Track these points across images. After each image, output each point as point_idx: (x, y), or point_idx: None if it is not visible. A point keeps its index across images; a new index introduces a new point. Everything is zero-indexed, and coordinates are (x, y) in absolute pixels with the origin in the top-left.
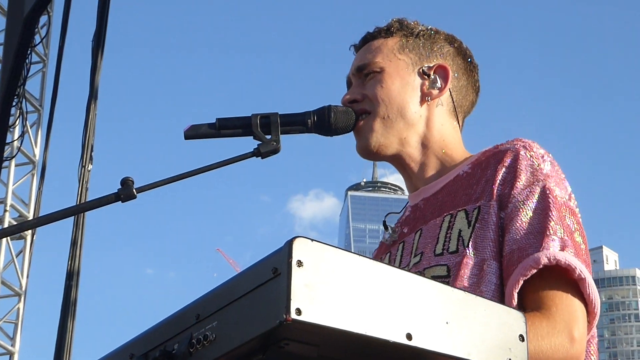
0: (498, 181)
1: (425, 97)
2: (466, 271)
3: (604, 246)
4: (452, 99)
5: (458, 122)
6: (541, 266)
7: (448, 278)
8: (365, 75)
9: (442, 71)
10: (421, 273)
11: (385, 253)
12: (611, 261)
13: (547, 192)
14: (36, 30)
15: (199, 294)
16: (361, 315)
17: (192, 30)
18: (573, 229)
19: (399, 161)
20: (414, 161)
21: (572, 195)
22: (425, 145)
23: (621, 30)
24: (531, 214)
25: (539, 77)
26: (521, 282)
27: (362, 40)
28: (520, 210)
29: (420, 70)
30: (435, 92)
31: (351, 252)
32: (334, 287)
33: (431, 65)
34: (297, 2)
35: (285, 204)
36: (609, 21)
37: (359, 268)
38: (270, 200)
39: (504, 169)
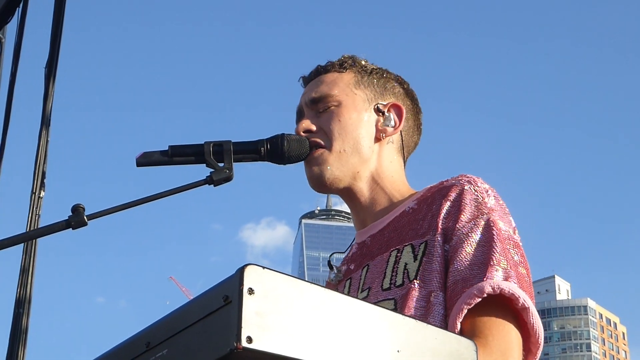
0: (442, 215)
1: (379, 134)
2: (413, 302)
3: (556, 275)
4: (402, 138)
5: (404, 160)
6: (485, 295)
7: (395, 312)
8: (320, 108)
9: (396, 110)
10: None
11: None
12: (563, 290)
13: (491, 224)
14: None
15: (149, 323)
16: (313, 344)
17: (146, 56)
18: (517, 261)
19: (349, 195)
20: (364, 196)
21: (516, 230)
22: (375, 180)
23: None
24: (475, 246)
25: (484, 110)
26: (465, 311)
27: (313, 72)
28: (464, 242)
29: (376, 106)
30: (389, 129)
31: (303, 280)
32: (285, 315)
33: (385, 103)
34: (247, 33)
35: (237, 232)
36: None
37: (310, 296)
38: (222, 229)
39: (448, 203)
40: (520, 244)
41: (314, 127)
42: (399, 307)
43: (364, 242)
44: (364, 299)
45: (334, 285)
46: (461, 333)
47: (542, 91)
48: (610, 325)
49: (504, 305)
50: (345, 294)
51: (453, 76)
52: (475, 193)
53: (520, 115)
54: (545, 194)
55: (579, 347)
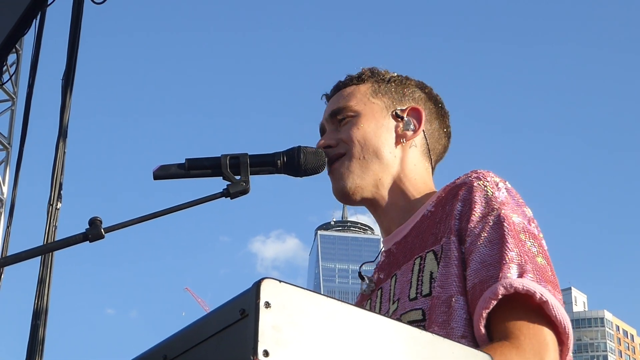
0: (454, 216)
1: (399, 139)
2: (437, 310)
3: (572, 287)
4: (426, 141)
5: (431, 164)
6: (500, 296)
7: (424, 322)
8: (339, 121)
9: (415, 113)
10: (398, 319)
11: (365, 301)
12: (580, 302)
13: (502, 220)
14: (5, 68)
15: (161, 334)
16: (329, 357)
17: (163, 67)
18: (535, 252)
19: (373, 204)
20: (387, 203)
21: (533, 220)
22: (398, 185)
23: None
24: (488, 245)
25: (508, 113)
26: (485, 315)
27: (333, 88)
28: (477, 242)
29: (394, 112)
30: (409, 133)
31: (319, 293)
32: (301, 329)
33: (404, 108)
34: (269, 49)
35: (246, 244)
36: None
37: (326, 310)
38: (230, 241)
39: (459, 203)
40: (539, 233)
41: (332, 142)
42: (427, 317)
43: (390, 251)
44: (395, 310)
45: (367, 295)
46: (491, 337)
47: (559, 99)
48: (627, 338)
49: (526, 303)
50: (377, 306)
51: (468, 87)
52: (485, 189)
53: (538, 125)
54: (562, 206)
55: None
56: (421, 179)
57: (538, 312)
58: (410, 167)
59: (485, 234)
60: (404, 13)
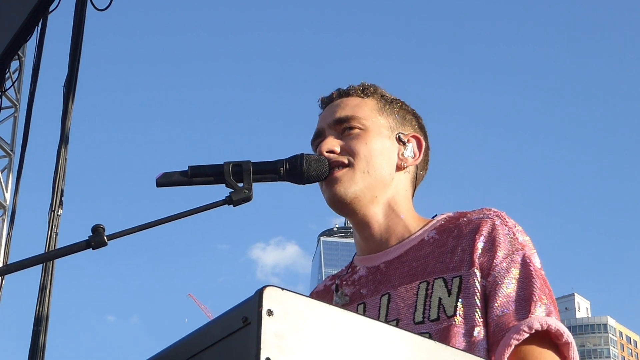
0: (478, 250)
1: (400, 163)
2: (456, 339)
3: (575, 294)
4: (416, 170)
5: (413, 191)
6: (533, 331)
7: None
8: (344, 129)
9: (417, 142)
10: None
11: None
12: (583, 309)
13: (527, 260)
14: (7, 74)
15: (161, 341)
16: None
17: (165, 74)
18: (553, 298)
19: (365, 220)
20: (379, 222)
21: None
22: (391, 207)
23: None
24: (515, 282)
25: (511, 116)
26: (512, 346)
27: (335, 94)
28: (505, 278)
29: (397, 136)
30: (410, 159)
31: (321, 301)
32: (304, 337)
33: (406, 133)
34: (267, 58)
35: (245, 252)
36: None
37: (329, 318)
38: (229, 249)
39: (482, 238)
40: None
41: (338, 148)
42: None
43: (376, 267)
44: None
45: (342, 306)
46: None
47: (565, 103)
48: (631, 344)
49: (548, 340)
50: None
51: (462, 90)
52: (507, 229)
53: (542, 129)
54: (565, 211)
55: None
56: (409, 205)
57: (556, 351)
58: (402, 192)
59: (514, 271)
60: (401, 16)
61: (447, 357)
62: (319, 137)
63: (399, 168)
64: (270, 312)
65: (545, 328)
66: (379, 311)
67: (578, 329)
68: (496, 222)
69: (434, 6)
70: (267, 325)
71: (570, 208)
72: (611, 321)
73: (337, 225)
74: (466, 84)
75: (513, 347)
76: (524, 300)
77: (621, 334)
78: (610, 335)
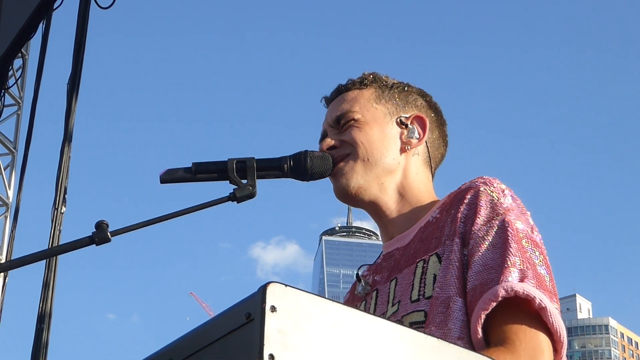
0: (459, 219)
1: (404, 146)
2: (434, 311)
3: (577, 294)
4: (428, 150)
5: (431, 172)
6: (500, 299)
7: (424, 323)
8: (343, 125)
9: (420, 121)
10: (399, 321)
11: (360, 302)
12: (584, 310)
13: (507, 225)
14: (11, 72)
15: (162, 339)
16: None
17: (169, 71)
18: (536, 261)
19: (375, 208)
20: (390, 209)
21: (536, 228)
22: (401, 193)
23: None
24: (491, 248)
25: (511, 119)
26: (483, 317)
27: (335, 91)
28: (481, 245)
29: (398, 119)
30: (414, 141)
31: (325, 298)
32: (307, 333)
33: (408, 115)
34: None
35: (246, 251)
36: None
37: (332, 314)
38: (230, 247)
39: (464, 207)
40: (540, 242)
41: (336, 143)
42: (429, 318)
43: (390, 254)
44: (395, 312)
45: (361, 297)
46: (487, 339)
47: (563, 105)
48: (632, 345)
49: (524, 307)
50: (372, 307)
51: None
52: (491, 194)
53: (542, 131)
54: (566, 213)
55: None
56: (424, 187)
57: (535, 317)
58: (413, 175)
59: (489, 238)
60: (405, 16)
61: (450, 354)
62: (323, 138)
63: (403, 152)
64: (273, 309)
65: (513, 294)
66: (388, 296)
67: (579, 329)
68: (481, 189)
69: (434, 5)
70: (271, 322)
71: (573, 209)
72: (612, 322)
73: (339, 225)
74: (465, 86)
75: (484, 317)
76: (498, 267)
77: (622, 335)
78: (611, 336)
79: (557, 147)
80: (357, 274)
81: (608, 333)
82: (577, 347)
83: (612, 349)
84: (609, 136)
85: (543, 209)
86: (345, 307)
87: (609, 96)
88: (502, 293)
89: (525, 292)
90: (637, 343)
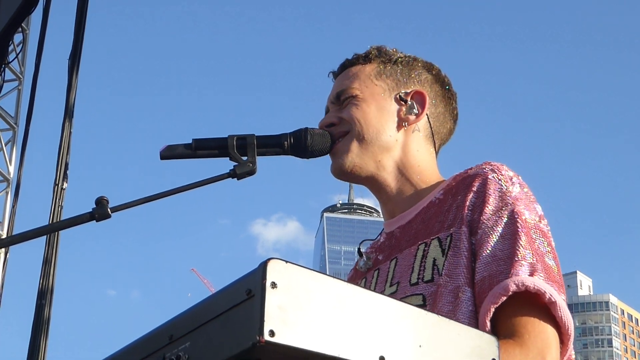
0: (467, 206)
1: (402, 123)
2: (443, 300)
3: (578, 271)
4: (430, 125)
5: (434, 149)
6: (510, 293)
7: (424, 307)
8: (342, 101)
9: (419, 97)
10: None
11: (360, 279)
12: (585, 286)
13: (516, 216)
14: (11, 47)
15: (162, 315)
16: (334, 338)
17: (170, 50)
18: (544, 252)
19: (374, 184)
20: (389, 186)
21: (544, 217)
22: (400, 170)
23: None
24: (500, 240)
25: (516, 102)
26: (492, 310)
27: (340, 67)
28: (490, 236)
29: (397, 96)
30: (412, 117)
31: (325, 274)
32: (307, 309)
33: (408, 91)
34: (276, 31)
35: (246, 228)
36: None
37: (333, 290)
38: (230, 224)
39: (472, 194)
40: (548, 231)
41: (334, 120)
42: (428, 303)
43: (392, 233)
44: (393, 294)
45: (362, 273)
46: (495, 332)
47: (563, 88)
48: (632, 321)
49: (533, 301)
50: (372, 286)
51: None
52: (499, 182)
53: (543, 113)
54: (567, 189)
55: (600, 343)
56: (425, 165)
57: (544, 311)
58: (413, 153)
59: (498, 229)
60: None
61: (450, 330)
62: (326, 113)
63: (401, 128)
64: (274, 285)
65: (523, 289)
66: (387, 276)
67: (580, 306)
68: (489, 176)
69: (435, 5)
70: (271, 298)
71: (573, 186)
72: (613, 299)
73: (340, 202)
74: (468, 79)
75: (493, 311)
76: (507, 259)
77: (623, 311)
78: (612, 312)
79: (558, 125)
80: (359, 249)
81: (608, 310)
82: (577, 324)
83: (613, 325)
84: (611, 113)
85: (544, 186)
86: (346, 283)
87: (605, 79)
88: (512, 287)
89: (536, 287)
90: (637, 320)
